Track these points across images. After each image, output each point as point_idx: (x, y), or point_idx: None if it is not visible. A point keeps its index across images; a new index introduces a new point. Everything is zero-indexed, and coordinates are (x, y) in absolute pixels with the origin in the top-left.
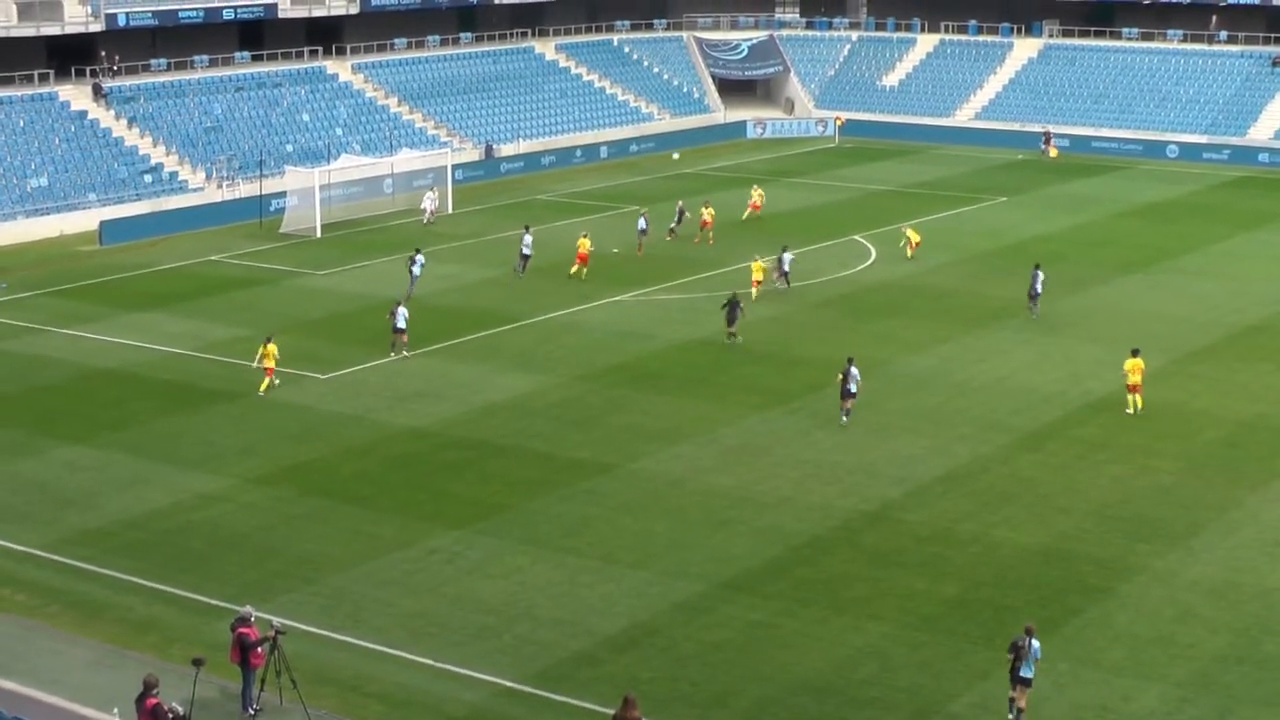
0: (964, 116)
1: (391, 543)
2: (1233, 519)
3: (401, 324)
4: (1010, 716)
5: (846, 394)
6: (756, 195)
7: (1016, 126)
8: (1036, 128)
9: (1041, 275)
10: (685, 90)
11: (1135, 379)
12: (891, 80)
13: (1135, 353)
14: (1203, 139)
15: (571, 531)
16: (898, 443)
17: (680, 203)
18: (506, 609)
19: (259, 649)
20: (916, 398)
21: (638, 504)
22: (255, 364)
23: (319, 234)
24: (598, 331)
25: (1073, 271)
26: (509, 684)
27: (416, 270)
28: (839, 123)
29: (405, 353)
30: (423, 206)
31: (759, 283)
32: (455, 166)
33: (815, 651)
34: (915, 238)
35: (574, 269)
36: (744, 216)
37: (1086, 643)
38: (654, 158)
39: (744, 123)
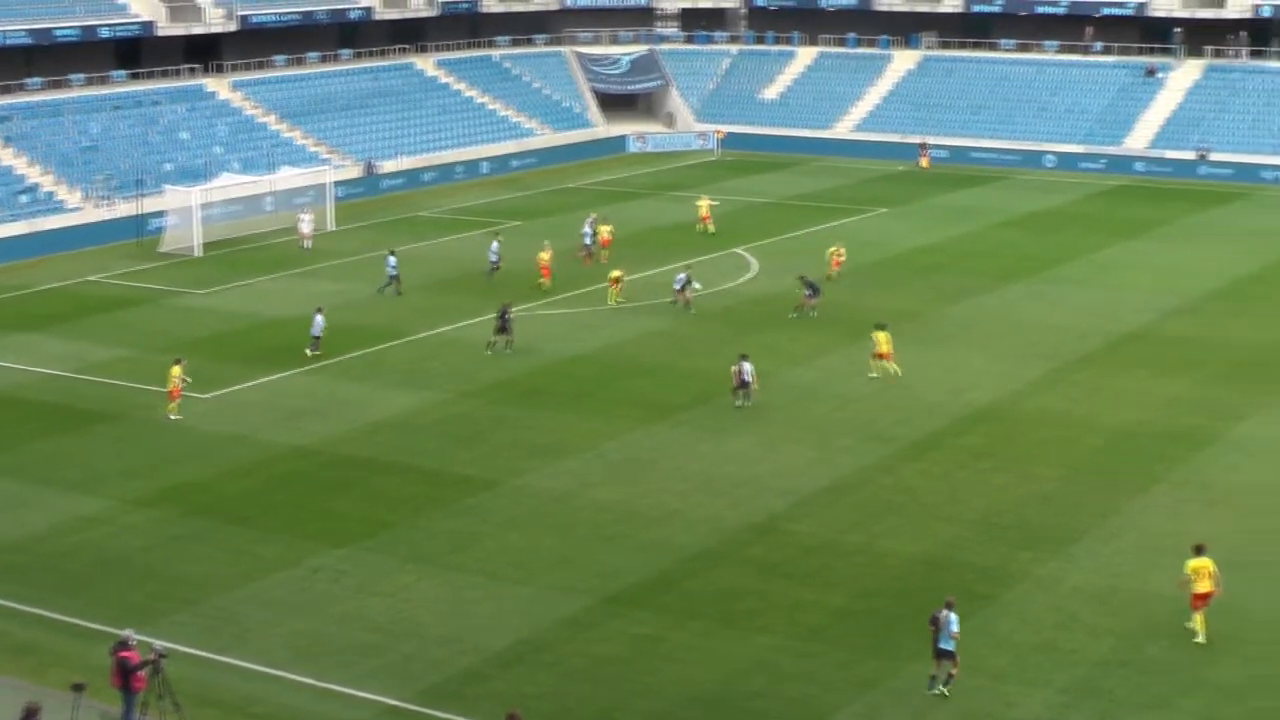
0: (844, 128)
1: (276, 562)
2: (1113, 525)
3: (317, 332)
4: (935, 691)
5: (742, 384)
6: (705, 206)
7: (896, 138)
8: (915, 139)
9: (811, 280)
10: (566, 105)
11: (883, 349)
12: (771, 93)
13: (881, 327)
14: (1079, 149)
15: (458, 548)
16: (783, 454)
17: (592, 216)
18: (392, 627)
19: (140, 672)
20: (801, 409)
21: (524, 520)
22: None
23: (199, 253)
24: (482, 347)
25: (954, 282)
26: (395, 703)
27: (392, 270)
28: (720, 136)
29: (309, 351)
30: (300, 230)
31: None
32: (336, 184)
33: (704, 665)
34: (839, 256)
35: (540, 281)
36: (699, 230)
37: (971, 650)
38: (535, 173)
39: (625, 137)
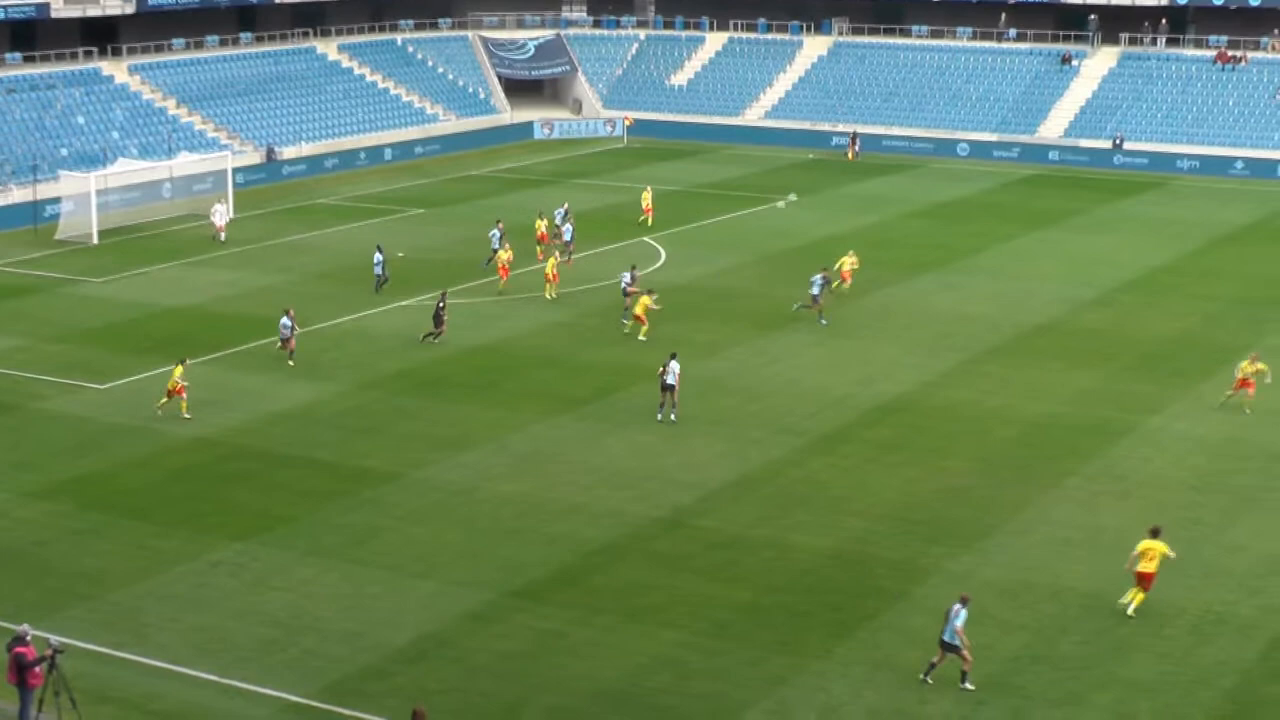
0: (753, 115)
1: (175, 556)
2: (1025, 519)
3: (285, 333)
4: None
5: (665, 387)
6: (647, 199)
7: (806, 125)
8: (835, 128)
9: (820, 279)
10: (471, 91)
11: (638, 312)
12: (680, 79)
13: (649, 292)
14: (993, 137)
15: (358, 542)
16: (690, 447)
17: (564, 208)
18: (293, 622)
19: (36, 668)
20: (708, 401)
21: (426, 513)
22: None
23: (96, 240)
24: (383, 338)
25: (864, 272)
26: (296, 699)
27: (379, 269)
28: (627, 123)
29: (290, 361)
30: (213, 221)
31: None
32: (236, 170)
33: (608, 660)
34: (851, 265)
35: (501, 284)
36: (639, 220)
37: (882, 646)
38: (439, 159)
39: (531, 123)
